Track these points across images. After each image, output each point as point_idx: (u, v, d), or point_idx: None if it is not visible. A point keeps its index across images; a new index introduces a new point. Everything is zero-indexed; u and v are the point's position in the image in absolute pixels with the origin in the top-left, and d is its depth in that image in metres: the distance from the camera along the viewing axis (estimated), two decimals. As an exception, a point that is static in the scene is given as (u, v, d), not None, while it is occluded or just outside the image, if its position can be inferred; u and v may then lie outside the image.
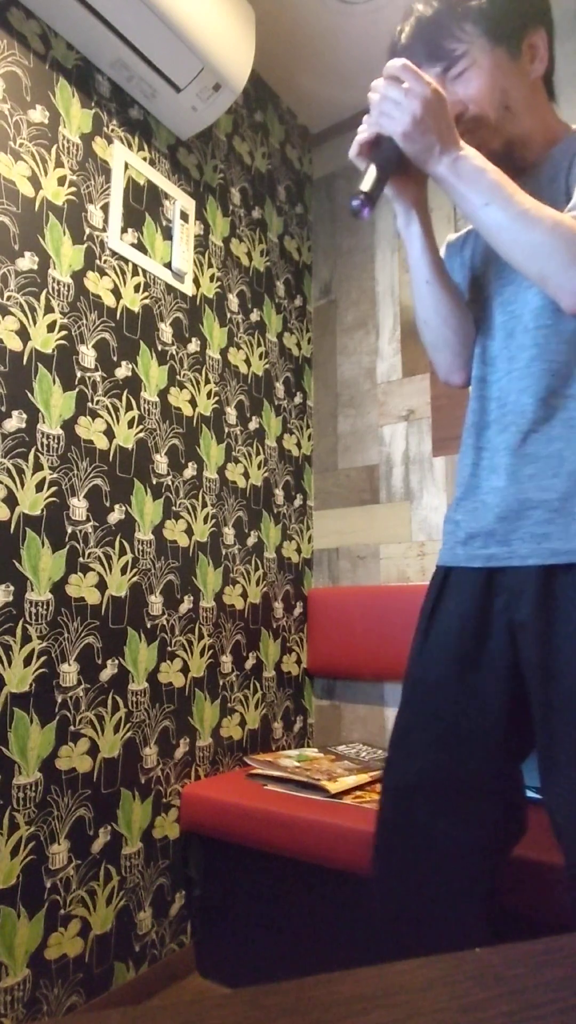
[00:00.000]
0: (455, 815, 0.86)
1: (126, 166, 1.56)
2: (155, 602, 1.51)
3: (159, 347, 1.60)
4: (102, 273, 1.47)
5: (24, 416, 1.27)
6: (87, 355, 1.41)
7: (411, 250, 0.96)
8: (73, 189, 1.42)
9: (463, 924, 0.85)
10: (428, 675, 0.92)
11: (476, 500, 0.92)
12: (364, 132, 0.83)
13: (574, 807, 0.76)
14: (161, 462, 1.57)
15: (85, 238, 1.44)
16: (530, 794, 0.91)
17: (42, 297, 1.33)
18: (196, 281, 1.74)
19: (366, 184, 0.79)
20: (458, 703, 0.88)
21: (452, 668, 0.89)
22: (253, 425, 1.90)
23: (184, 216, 1.71)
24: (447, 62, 0.87)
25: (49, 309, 1.34)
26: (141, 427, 1.53)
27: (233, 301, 1.87)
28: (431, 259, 0.95)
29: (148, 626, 1.48)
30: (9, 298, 1.27)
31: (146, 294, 1.58)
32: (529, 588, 0.83)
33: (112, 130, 1.54)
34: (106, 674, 1.37)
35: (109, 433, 1.45)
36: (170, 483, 1.59)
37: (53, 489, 1.31)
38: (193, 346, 1.71)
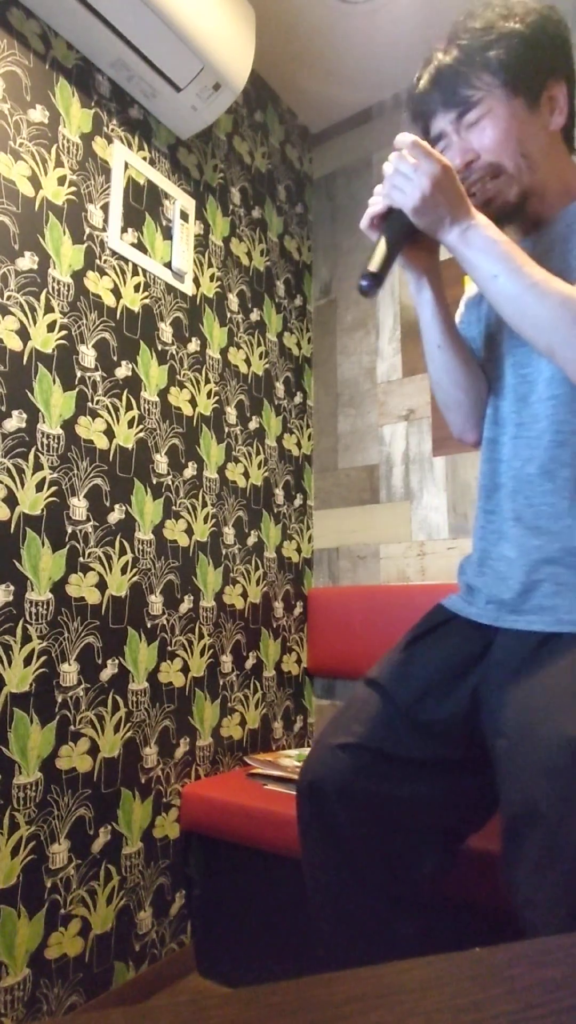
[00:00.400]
0: (386, 831, 0.86)
1: (126, 166, 1.56)
2: (155, 602, 1.51)
3: (159, 347, 1.60)
4: (102, 273, 1.47)
5: (24, 416, 1.27)
6: (87, 355, 1.41)
7: (423, 316, 0.97)
8: (73, 189, 1.42)
9: (391, 935, 0.85)
10: (397, 688, 0.92)
11: (488, 567, 0.93)
12: (375, 204, 0.84)
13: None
14: (161, 462, 1.57)
15: (85, 238, 1.44)
16: None
17: (42, 297, 1.33)
18: (196, 281, 1.74)
19: (375, 264, 0.80)
20: (416, 727, 0.88)
21: (421, 695, 0.90)
22: (253, 425, 1.90)
23: (184, 216, 1.71)
24: (463, 108, 0.87)
25: (49, 309, 1.34)
26: (141, 427, 1.53)
27: (233, 301, 1.87)
28: (443, 325, 0.96)
29: (148, 626, 1.48)
30: (9, 298, 1.27)
31: (146, 294, 1.58)
32: (524, 646, 0.83)
33: (112, 130, 1.54)
34: (106, 674, 1.37)
35: (109, 433, 1.45)
36: (170, 483, 1.59)
37: (53, 489, 1.31)
38: (193, 346, 1.71)
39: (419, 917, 0.87)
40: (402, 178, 0.79)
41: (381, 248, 0.81)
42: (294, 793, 1.40)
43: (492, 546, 0.93)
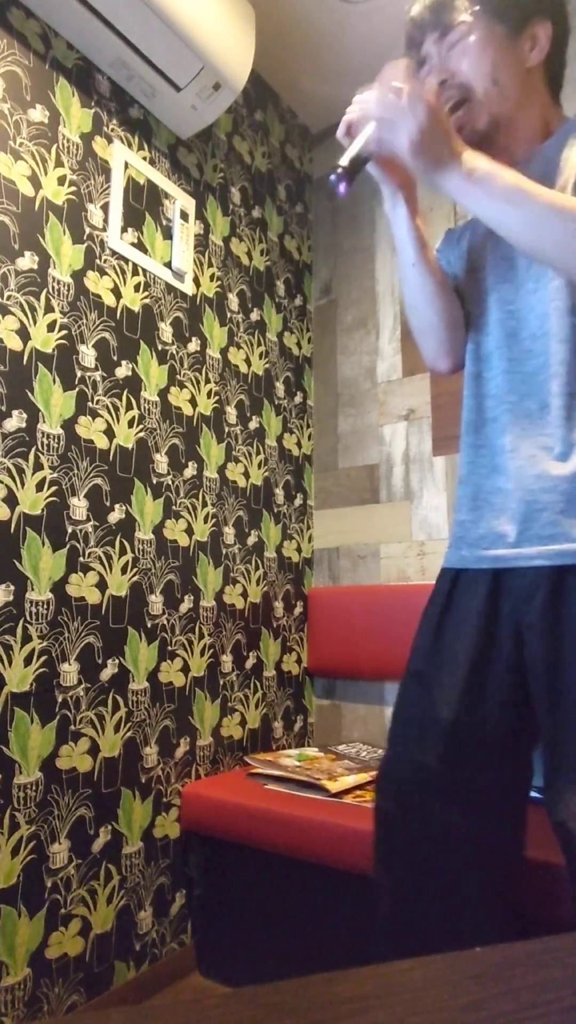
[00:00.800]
0: (463, 811, 0.86)
1: (126, 165, 1.56)
2: (155, 601, 1.51)
3: (159, 347, 1.60)
4: (102, 272, 1.47)
5: (24, 416, 1.27)
6: (87, 355, 1.41)
7: (397, 232, 0.96)
8: (73, 188, 1.42)
9: (471, 925, 0.85)
10: (439, 674, 0.91)
11: (480, 500, 0.92)
12: (353, 112, 0.83)
13: None
14: (161, 462, 1.57)
15: (85, 237, 1.44)
16: (532, 794, 0.91)
17: (42, 297, 1.33)
18: (196, 280, 1.74)
19: (345, 158, 0.79)
20: (466, 703, 0.88)
21: (463, 669, 0.89)
22: (253, 425, 1.90)
23: (184, 215, 1.71)
24: (445, 29, 0.88)
25: (49, 309, 1.34)
26: (141, 427, 1.53)
27: (233, 300, 1.87)
28: (417, 243, 0.95)
29: (148, 626, 1.48)
30: (9, 298, 1.27)
31: (146, 293, 1.58)
32: (537, 589, 0.83)
33: (112, 129, 1.54)
34: (106, 673, 1.37)
35: (109, 433, 1.45)
36: (170, 483, 1.59)
37: (53, 489, 1.31)
38: (193, 345, 1.71)
39: (494, 903, 0.87)
40: (394, 110, 0.77)
41: (356, 145, 0.80)
42: (294, 793, 1.41)
43: (484, 479, 0.92)
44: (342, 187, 0.79)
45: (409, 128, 0.76)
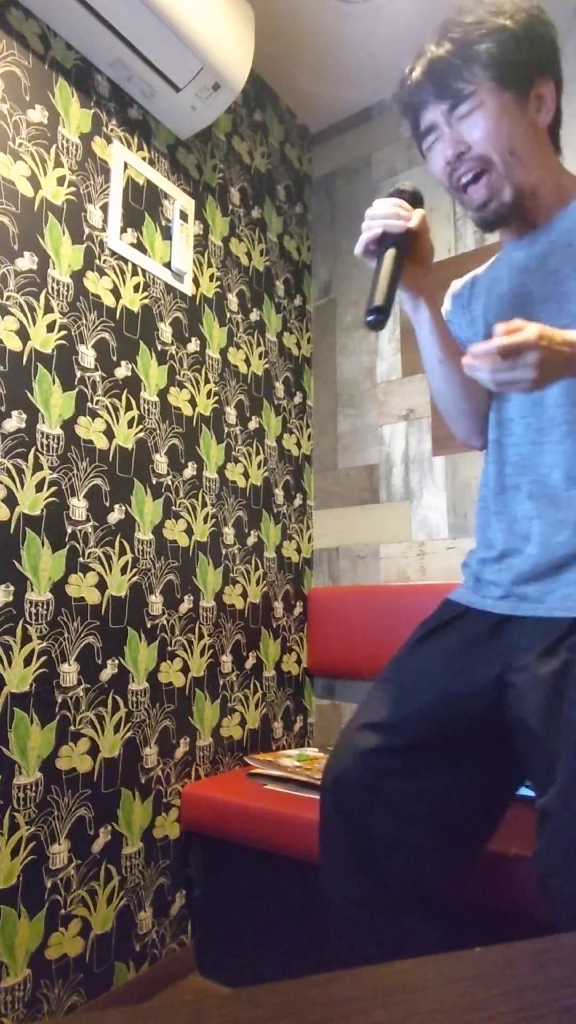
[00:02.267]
0: (407, 817, 0.86)
1: (125, 166, 1.56)
2: (155, 602, 1.51)
3: (159, 347, 1.60)
4: (101, 273, 1.47)
5: (24, 416, 1.27)
6: (87, 355, 1.41)
7: (421, 333, 0.98)
8: (72, 189, 1.42)
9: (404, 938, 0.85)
10: (409, 677, 0.92)
11: (504, 565, 0.93)
12: (370, 229, 0.86)
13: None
14: (161, 462, 1.57)
15: (84, 238, 1.44)
16: (524, 792, 0.91)
17: (41, 297, 1.33)
18: (196, 281, 1.74)
19: (379, 298, 0.80)
20: (435, 726, 0.88)
21: (439, 688, 0.90)
22: (253, 425, 1.90)
23: (183, 216, 1.71)
24: (455, 100, 0.87)
25: (49, 309, 1.34)
26: (141, 427, 1.53)
27: (233, 301, 1.87)
28: (442, 340, 0.97)
29: (148, 626, 1.48)
30: (8, 298, 1.27)
31: (145, 294, 1.58)
32: (548, 636, 0.83)
33: (111, 130, 1.54)
34: (106, 674, 1.37)
35: (109, 433, 1.45)
36: (170, 483, 1.59)
37: (53, 489, 1.31)
38: (193, 346, 1.71)
39: (439, 919, 0.86)
40: (512, 376, 0.70)
41: (383, 279, 0.82)
42: (294, 793, 1.40)
43: (510, 546, 0.93)
44: (382, 325, 0.80)
45: (534, 375, 0.69)
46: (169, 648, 1.53)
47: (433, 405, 1.90)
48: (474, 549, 1.01)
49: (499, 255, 1.04)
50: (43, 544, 1.28)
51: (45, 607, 1.27)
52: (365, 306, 0.81)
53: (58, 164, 1.40)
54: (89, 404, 1.41)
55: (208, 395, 1.74)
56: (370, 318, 0.79)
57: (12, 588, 1.21)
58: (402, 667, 0.96)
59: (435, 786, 0.86)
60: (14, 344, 1.27)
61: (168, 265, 1.65)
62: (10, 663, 1.19)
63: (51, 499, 1.30)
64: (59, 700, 1.27)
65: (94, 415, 1.42)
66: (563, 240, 0.88)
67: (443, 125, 0.89)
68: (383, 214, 0.86)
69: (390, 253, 0.83)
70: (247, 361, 1.90)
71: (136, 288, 1.55)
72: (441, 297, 1.02)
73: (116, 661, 1.40)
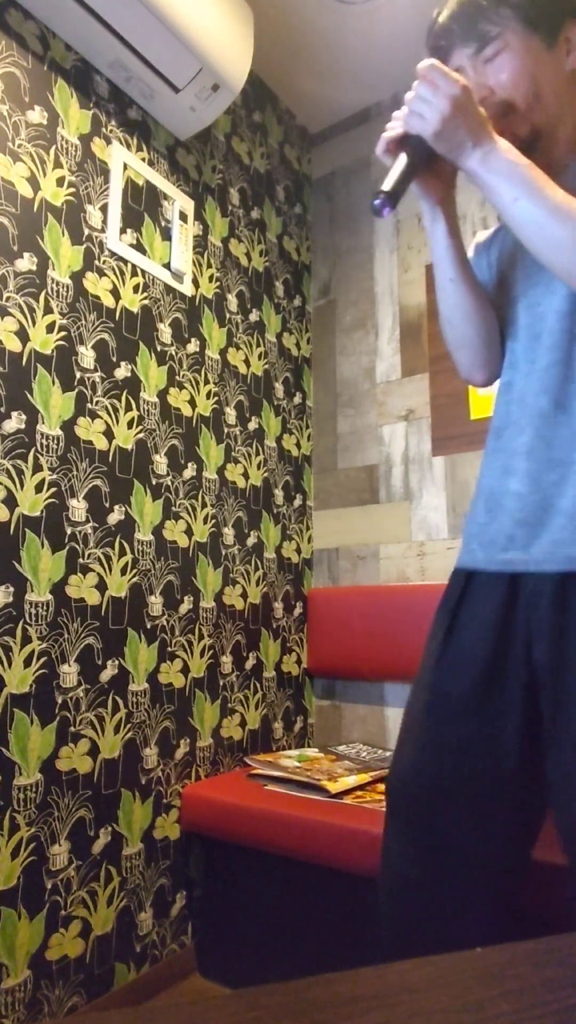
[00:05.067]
0: (473, 819, 0.86)
1: (125, 167, 1.56)
2: (155, 602, 1.51)
3: (158, 348, 1.60)
4: (101, 274, 1.47)
5: (23, 417, 1.27)
6: (86, 356, 1.41)
7: (436, 248, 0.95)
8: (72, 190, 1.42)
9: (473, 931, 0.85)
10: (449, 681, 0.90)
11: (493, 502, 0.91)
12: (393, 129, 0.83)
13: None
14: (161, 462, 1.57)
15: (84, 239, 1.44)
16: None
17: (41, 298, 1.33)
18: (195, 281, 1.74)
19: (388, 183, 0.79)
20: (478, 710, 0.87)
21: (475, 675, 0.88)
22: (252, 425, 1.90)
23: (183, 216, 1.71)
24: (480, 43, 0.86)
25: (48, 310, 1.34)
26: (140, 427, 1.53)
27: (232, 301, 1.87)
28: (456, 257, 0.95)
29: (148, 627, 1.48)
30: (8, 299, 1.27)
31: (145, 295, 1.58)
32: (547, 593, 0.82)
33: (111, 131, 1.54)
34: (106, 675, 1.37)
35: (108, 434, 1.45)
36: (170, 483, 1.59)
37: (53, 490, 1.31)
38: (192, 346, 1.71)
39: (495, 910, 0.87)
40: (421, 103, 0.77)
41: (397, 167, 0.80)
42: (295, 794, 1.41)
43: (498, 482, 0.91)
44: (386, 211, 0.79)
45: (441, 104, 0.76)
46: (169, 649, 1.53)
47: (433, 405, 1.90)
48: (474, 497, 0.98)
49: None
50: (43, 545, 1.28)
51: (45, 608, 1.27)
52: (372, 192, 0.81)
53: (57, 165, 1.40)
54: (89, 405, 1.41)
55: (208, 396, 1.74)
56: (376, 201, 0.78)
57: (12, 589, 1.21)
58: (435, 670, 0.93)
59: (493, 765, 0.87)
60: (14, 345, 1.27)
61: (168, 266, 1.66)
62: (10, 664, 1.19)
63: (51, 500, 1.30)
64: (59, 701, 1.27)
65: (94, 416, 1.42)
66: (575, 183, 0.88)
67: (468, 69, 0.88)
68: (409, 110, 0.82)
69: (411, 145, 0.81)
70: (247, 362, 1.90)
71: (136, 289, 1.55)
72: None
73: (116, 662, 1.40)
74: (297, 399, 2.12)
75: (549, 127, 0.88)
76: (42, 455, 1.30)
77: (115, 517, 1.43)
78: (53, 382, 1.34)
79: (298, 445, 2.10)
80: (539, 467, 0.85)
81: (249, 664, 1.78)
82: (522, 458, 0.87)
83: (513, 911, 0.90)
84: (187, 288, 1.71)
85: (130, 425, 1.50)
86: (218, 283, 1.83)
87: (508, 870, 0.88)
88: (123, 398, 1.49)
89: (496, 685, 0.86)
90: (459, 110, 0.76)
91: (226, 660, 1.70)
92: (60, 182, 1.40)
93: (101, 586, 1.38)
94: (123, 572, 1.44)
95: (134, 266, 1.56)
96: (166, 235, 1.67)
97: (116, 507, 1.44)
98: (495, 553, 0.89)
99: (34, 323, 1.31)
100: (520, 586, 0.87)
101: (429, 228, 0.95)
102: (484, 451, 0.98)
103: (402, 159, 0.81)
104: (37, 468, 1.29)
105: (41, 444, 1.30)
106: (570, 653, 0.78)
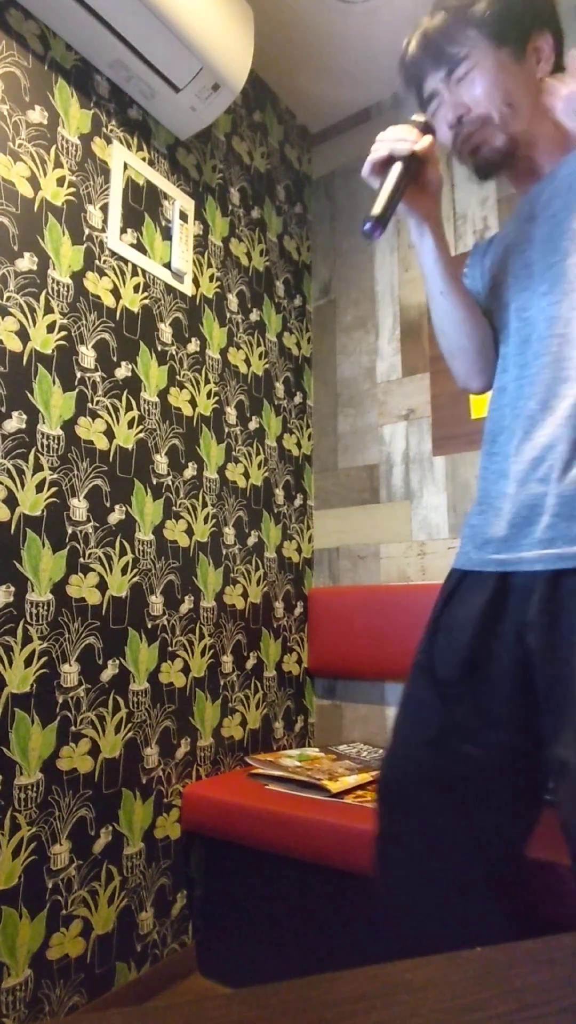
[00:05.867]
0: (464, 809, 0.86)
1: (125, 166, 1.56)
2: (156, 602, 1.51)
3: (159, 347, 1.60)
4: (101, 273, 1.47)
5: (24, 417, 1.27)
6: (87, 355, 1.41)
7: (425, 262, 0.97)
8: (72, 189, 1.42)
9: (474, 923, 0.85)
10: (440, 668, 0.91)
11: (486, 504, 0.93)
12: (377, 152, 0.86)
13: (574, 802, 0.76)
14: (161, 462, 1.57)
15: (84, 238, 1.44)
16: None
17: (41, 298, 1.33)
18: (195, 281, 1.74)
19: (377, 207, 0.82)
20: (467, 698, 0.88)
21: (461, 665, 0.88)
22: (253, 425, 1.90)
23: (183, 216, 1.71)
24: (451, 65, 0.90)
25: (49, 310, 1.34)
26: (141, 427, 1.53)
27: (233, 301, 1.87)
28: (444, 270, 0.97)
29: (149, 626, 1.48)
30: (8, 299, 1.27)
31: (145, 294, 1.58)
32: (537, 589, 0.83)
33: (111, 130, 1.54)
34: (107, 674, 1.37)
35: (109, 433, 1.45)
36: (170, 483, 1.59)
37: (53, 490, 1.31)
38: (193, 346, 1.71)
39: (501, 900, 0.87)
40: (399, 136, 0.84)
41: (384, 192, 0.83)
42: (295, 793, 1.41)
43: (491, 485, 0.93)
44: (377, 234, 0.82)
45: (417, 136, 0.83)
46: (170, 648, 1.53)
47: (434, 405, 1.90)
48: (474, 502, 1.01)
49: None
50: (43, 545, 1.28)
51: (46, 608, 1.27)
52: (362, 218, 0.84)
53: (58, 165, 1.40)
54: (89, 405, 1.41)
55: (208, 395, 1.74)
56: (367, 226, 0.81)
57: (12, 589, 1.21)
58: (428, 655, 0.94)
59: (486, 755, 0.87)
60: (14, 345, 1.27)
61: (168, 265, 1.66)
62: (11, 664, 1.20)
63: (51, 500, 1.30)
64: (60, 700, 1.27)
65: (94, 416, 1.42)
66: (564, 184, 0.89)
67: (443, 91, 0.91)
68: (391, 137, 0.87)
69: (395, 169, 0.85)
70: (247, 361, 1.90)
71: (136, 288, 1.55)
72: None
73: (117, 661, 1.40)
74: (298, 399, 2.12)
75: (527, 135, 0.92)
76: (43, 455, 1.30)
77: (116, 517, 1.44)
78: (54, 382, 1.34)
79: (299, 445, 2.10)
80: (526, 468, 0.86)
81: (250, 664, 1.78)
82: (512, 460, 0.89)
83: (513, 905, 0.90)
84: (187, 288, 1.71)
85: (131, 425, 1.50)
86: (218, 283, 1.83)
87: (506, 862, 0.88)
88: (124, 398, 1.49)
89: (483, 670, 0.87)
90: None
91: (227, 660, 1.70)
92: (60, 182, 1.40)
93: (102, 586, 1.38)
94: (124, 572, 1.44)
95: (134, 266, 1.56)
96: (166, 235, 1.67)
97: (117, 507, 1.44)
98: (487, 554, 0.91)
99: (34, 323, 1.31)
100: (510, 584, 0.88)
101: (417, 243, 0.97)
102: (480, 455, 1.00)
103: (389, 181, 0.84)
104: (38, 468, 1.29)
105: (42, 444, 1.30)
106: (562, 647, 0.79)
